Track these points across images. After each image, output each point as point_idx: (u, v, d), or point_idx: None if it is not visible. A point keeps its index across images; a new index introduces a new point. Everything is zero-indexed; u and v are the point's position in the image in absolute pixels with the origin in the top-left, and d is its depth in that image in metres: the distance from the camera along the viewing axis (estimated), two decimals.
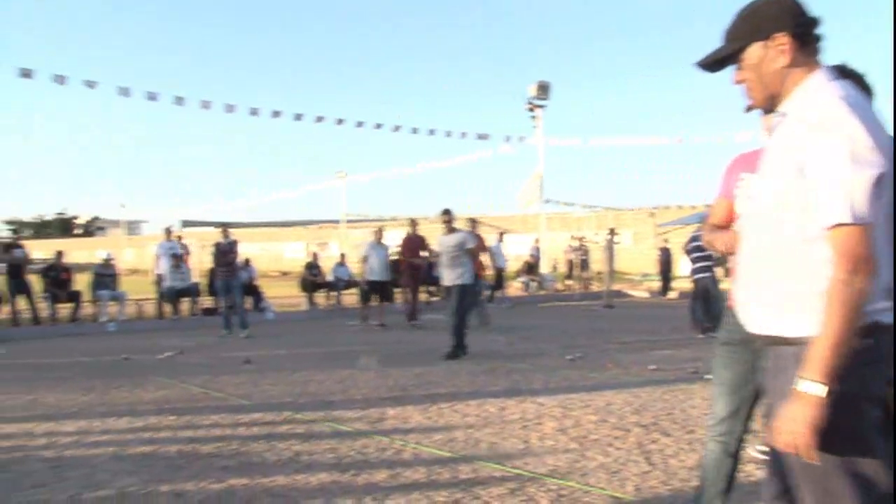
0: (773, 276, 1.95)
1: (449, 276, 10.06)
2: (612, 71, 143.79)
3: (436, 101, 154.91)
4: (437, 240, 10.36)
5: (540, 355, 9.72)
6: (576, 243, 24.19)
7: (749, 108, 2.15)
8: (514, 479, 4.36)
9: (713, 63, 2.11)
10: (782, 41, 1.95)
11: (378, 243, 14.43)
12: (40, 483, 4.43)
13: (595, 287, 22.72)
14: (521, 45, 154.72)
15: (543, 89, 25.77)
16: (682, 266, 19.62)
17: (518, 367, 8.75)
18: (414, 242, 14.30)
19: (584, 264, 23.74)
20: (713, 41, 2.09)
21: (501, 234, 20.29)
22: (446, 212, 10.27)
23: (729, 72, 2.10)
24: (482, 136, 29.01)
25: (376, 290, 14.50)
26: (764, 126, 2.94)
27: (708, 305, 11.12)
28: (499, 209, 34.51)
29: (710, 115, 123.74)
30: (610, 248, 19.15)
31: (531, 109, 26.15)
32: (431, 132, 28.92)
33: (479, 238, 13.38)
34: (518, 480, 4.32)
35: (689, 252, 11.52)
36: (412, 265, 14.32)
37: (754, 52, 2.00)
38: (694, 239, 11.21)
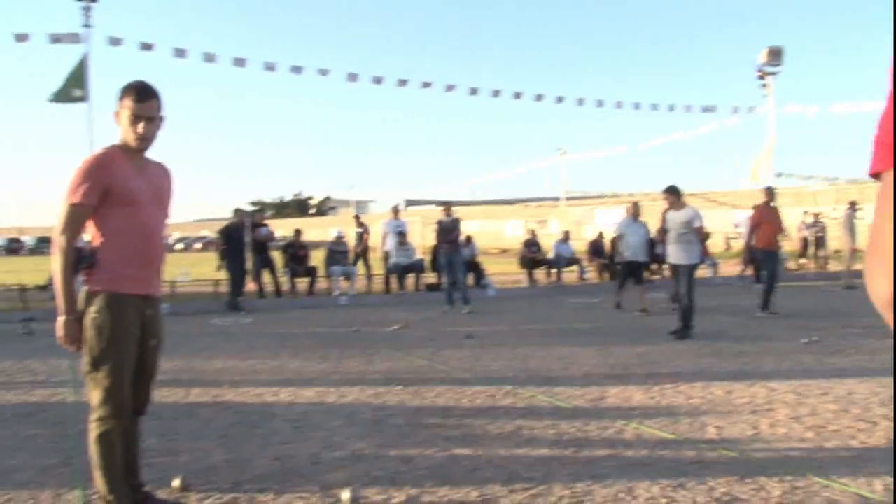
0: None
1: (676, 255, 9.69)
2: (854, 30, 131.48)
3: (659, 75, 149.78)
4: (664, 216, 9.96)
5: (771, 338, 9.17)
6: (811, 219, 22.54)
7: None
8: (742, 465, 4.16)
9: None
10: None
11: (635, 220, 13.08)
12: (286, 441, 4.83)
13: (833, 267, 21.06)
14: (750, 10, 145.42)
15: (775, 55, 24.05)
16: None
17: (747, 349, 8.31)
18: None
19: (820, 242, 22.06)
20: None
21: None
22: (672, 188, 9.88)
23: None
24: (708, 109, 27.79)
25: (632, 272, 13.03)
26: None
27: None
28: (725, 184, 32.83)
29: None
30: (850, 223, 17.58)
31: (761, 77, 24.56)
32: (654, 107, 27.98)
33: (774, 210, 12.08)
34: (747, 468, 4.11)
35: None
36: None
37: None
38: None
